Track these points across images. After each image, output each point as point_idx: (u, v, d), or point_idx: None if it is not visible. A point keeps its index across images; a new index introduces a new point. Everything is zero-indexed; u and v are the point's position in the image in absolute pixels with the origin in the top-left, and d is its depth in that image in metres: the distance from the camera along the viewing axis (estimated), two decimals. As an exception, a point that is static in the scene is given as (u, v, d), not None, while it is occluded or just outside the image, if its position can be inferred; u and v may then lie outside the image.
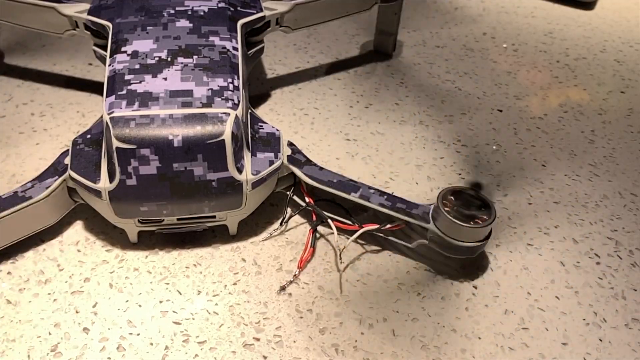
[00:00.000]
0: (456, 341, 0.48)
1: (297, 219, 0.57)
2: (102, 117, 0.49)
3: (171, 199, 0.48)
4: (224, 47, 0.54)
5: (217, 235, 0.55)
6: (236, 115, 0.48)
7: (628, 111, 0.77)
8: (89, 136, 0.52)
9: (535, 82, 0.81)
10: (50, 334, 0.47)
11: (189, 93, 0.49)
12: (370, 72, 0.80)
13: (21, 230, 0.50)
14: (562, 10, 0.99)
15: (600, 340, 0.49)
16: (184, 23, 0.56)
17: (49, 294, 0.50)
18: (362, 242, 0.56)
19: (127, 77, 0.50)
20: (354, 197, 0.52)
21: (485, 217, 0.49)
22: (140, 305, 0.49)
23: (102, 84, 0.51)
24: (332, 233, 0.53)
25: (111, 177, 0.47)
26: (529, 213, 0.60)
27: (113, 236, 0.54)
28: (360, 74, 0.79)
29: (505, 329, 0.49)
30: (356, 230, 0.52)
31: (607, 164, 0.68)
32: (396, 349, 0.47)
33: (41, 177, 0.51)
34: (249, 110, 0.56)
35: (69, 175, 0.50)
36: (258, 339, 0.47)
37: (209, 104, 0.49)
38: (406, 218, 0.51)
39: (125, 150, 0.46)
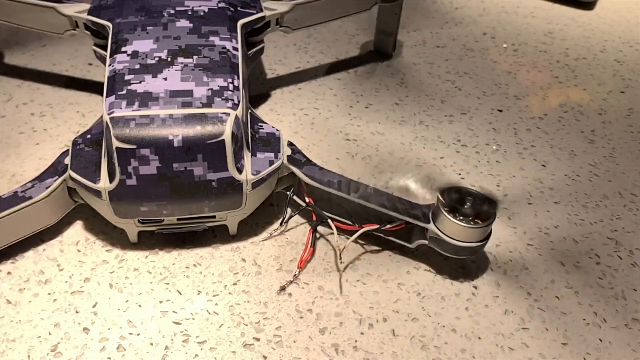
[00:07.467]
0: (456, 341, 0.48)
1: (297, 219, 0.57)
2: (102, 117, 0.49)
3: (171, 199, 0.48)
4: (224, 47, 0.54)
5: (217, 235, 0.55)
6: (236, 115, 0.48)
7: (628, 111, 0.77)
8: (89, 136, 0.52)
9: (535, 82, 0.81)
10: (50, 334, 0.47)
11: (189, 93, 0.49)
12: (370, 72, 0.80)
13: (21, 230, 0.50)
14: (562, 10, 0.99)
15: (600, 340, 0.49)
16: (184, 23, 0.56)
17: (49, 294, 0.50)
18: (362, 242, 0.56)
19: (127, 77, 0.50)
20: (354, 197, 0.52)
21: (485, 217, 0.49)
22: (140, 305, 0.49)
23: (102, 84, 0.51)
24: (332, 233, 0.53)
25: (111, 177, 0.47)
26: (529, 213, 0.60)
27: (113, 236, 0.54)
28: (360, 74, 0.79)
29: (505, 329, 0.49)
30: (356, 230, 0.52)
31: (607, 164, 0.68)
32: (396, 349, 0.47)
33: (41, 177, 0.51)
34: (249, 110, 0.56)
35: (69, 175, 0.50)
36: (258, 339, 0.47)
37: (209, 104, 0.49)
38: (406, 218, 0.51)
39: (125, 150, 0.46)
